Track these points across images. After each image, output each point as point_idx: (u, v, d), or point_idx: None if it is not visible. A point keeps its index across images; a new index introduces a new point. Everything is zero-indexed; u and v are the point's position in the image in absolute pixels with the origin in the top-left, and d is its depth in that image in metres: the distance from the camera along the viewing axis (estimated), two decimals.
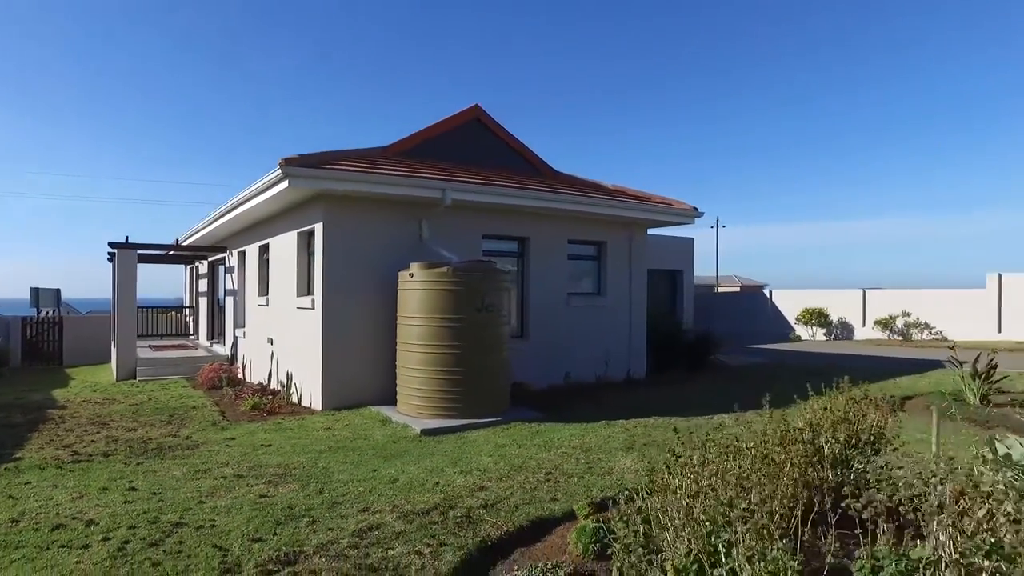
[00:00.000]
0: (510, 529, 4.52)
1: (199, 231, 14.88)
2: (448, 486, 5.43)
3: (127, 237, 14.13)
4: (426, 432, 7.44)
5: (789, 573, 2.14)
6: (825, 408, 4.51)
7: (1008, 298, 20.10)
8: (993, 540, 2.16)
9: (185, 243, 16.85)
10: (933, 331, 21.95)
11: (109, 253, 14.97)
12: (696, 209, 12.25)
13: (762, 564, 2.07)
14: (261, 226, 12.15)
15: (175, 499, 5.04)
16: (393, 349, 8.87)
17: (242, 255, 14.11)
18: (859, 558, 2.14)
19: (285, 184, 8.34)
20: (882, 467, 3.31)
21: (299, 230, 10.07)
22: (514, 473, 5.81)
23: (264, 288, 12.21)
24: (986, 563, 2.15)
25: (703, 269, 42.66)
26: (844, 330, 24.20)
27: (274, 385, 10.77)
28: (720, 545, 2.22)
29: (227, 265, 15.68)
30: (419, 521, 4.58)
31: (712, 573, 2.34)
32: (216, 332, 17.26)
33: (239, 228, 13.41)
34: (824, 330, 24.44)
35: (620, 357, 11.88)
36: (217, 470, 5.95)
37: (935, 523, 2.37)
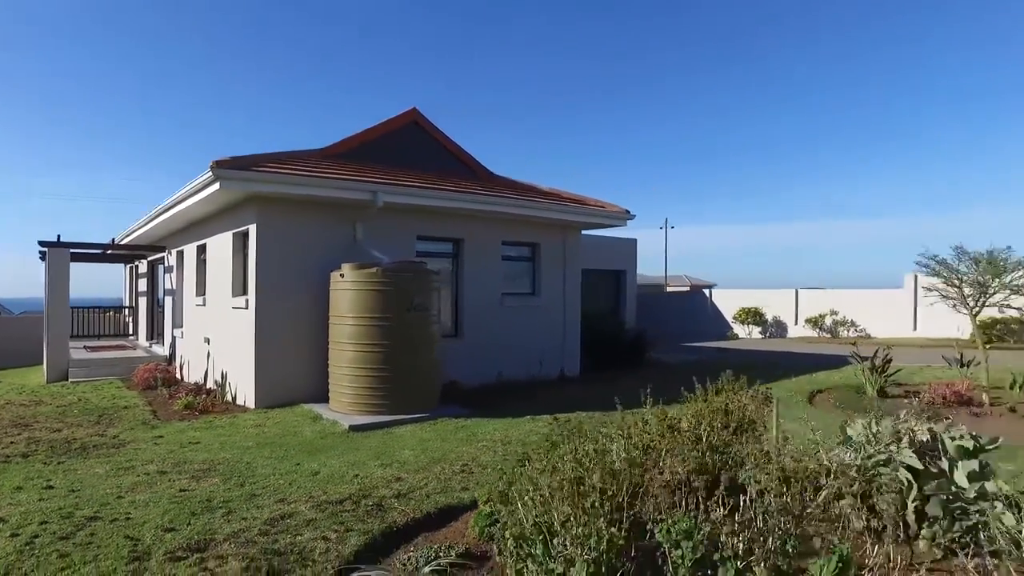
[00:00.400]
0: (417, 516, 4.82)
1: (136, 230, 14.67)
2: (366, 478, 5.70)
3: (59, 236, 13.84)
4: (354, 428, 7.68)
5: (608, 537, 2.51)
6: (705, 401, 4.96)
7: (923, 298, 21.35)
8: (775, 502, 2.58)
9: (122, 242, 16.56)
10: (858, 328, 23.20)
11: (40, 252, 14.62)
12: (628, 212, 12.77)
13: (580, 529, 2.43)
14: (198, 226, 12.13)
15: (93, 495, 5.16)
16: (326, 348, 9.05)
17: (180, 255, 14.00)
18: (663, 521, 2.53)
19: (217, 186, 8.45)
20: (731, 451, 3.74)
21: (234, 231, 10.14)
22: (432, 465, 6.11)
23: (201, 288, 12.19)
24: (770, 522, 2.57)
25: (659, 269, 43.73)
26: (778, 328, 25.31)
27: (210, 384, 10.80)
28: (556, 516, 2.57)
29: (166, 265, 15.51)
30: (331, 510, 4.84)
31: (553, 542, 2.70)
32: (155, 332, 17.03)
33: (176, 228, 13.32)
34: (760, 328, 25.51)
35: (554, 356, 12.29)
36: (141, 467, 6.06)
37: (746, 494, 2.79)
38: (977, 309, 9.87)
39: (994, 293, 9.56)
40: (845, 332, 23.27)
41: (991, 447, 4.44)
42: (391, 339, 8.31)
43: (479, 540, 4.27)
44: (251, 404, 9.26)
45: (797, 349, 19.38)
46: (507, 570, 2.84)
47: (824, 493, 3.26)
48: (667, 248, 61.29)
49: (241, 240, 10.14)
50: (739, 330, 25.83)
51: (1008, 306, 9.95)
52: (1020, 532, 3.11)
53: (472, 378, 10.26)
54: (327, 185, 9.12)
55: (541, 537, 2.75)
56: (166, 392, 10.60)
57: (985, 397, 9.01)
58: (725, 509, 2.59)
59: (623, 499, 2.70)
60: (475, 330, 11.15)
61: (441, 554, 3.93)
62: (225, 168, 8.34)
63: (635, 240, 22.59)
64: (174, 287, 14.56)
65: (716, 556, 2.35)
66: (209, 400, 9.55)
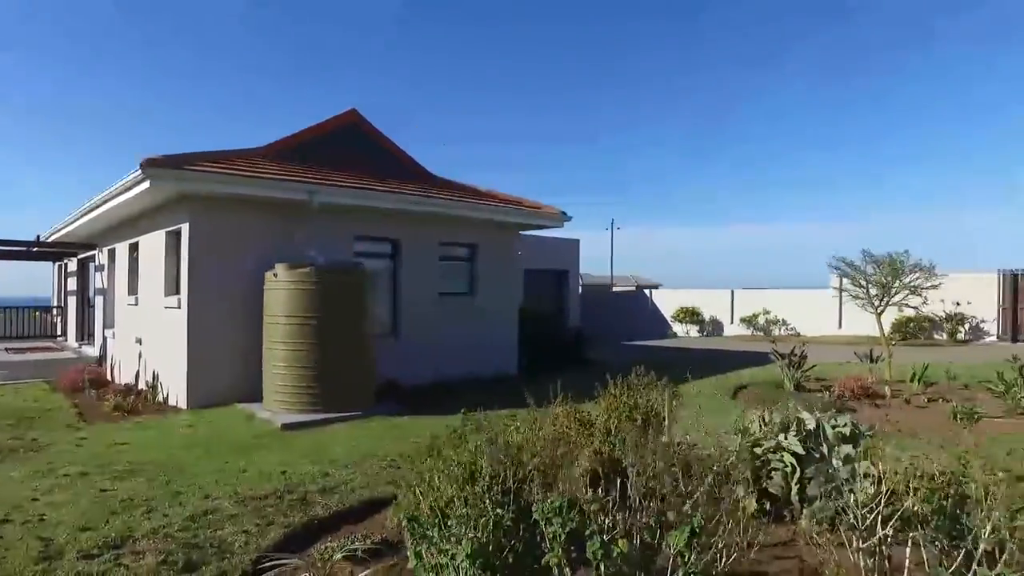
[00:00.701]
0: (341, 510, 4.98)
1: (64, 228, 14.20)
2: (294, 474, 5.81)
3: None
4: (286, 427, 7.74)
5: (494, 518, 2.76)
6: (613, 396, 5.28)
7: (847, 297, 22.54)
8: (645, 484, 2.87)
9: (50, 240, 15.98)
10: (789, 327, 24.31)
11: None
12: (564, 213, 13.13)
13: (466, 510, 2.67)
14: (130, 224, 11.87)
15: (5, 499, 5.07)
16: (261, 348, 9.04)
17: (112, 253, 13.64)
18: (538, 501, 2.79)
19: (146, 184, 8.35)
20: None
21: (167, 229, 10.01)
22: (361, 462, 6.25)
23: (134, 287, 11.94)
24: (646, 503, 2.86)
25: (622, 269, 44.82)
26: (715, 327, 26.28)
27: (142, 386, 10.62)
28: (444, 500, 2.81)
29: (97, 263, 15.06)
30: (255, 505, 4.95)
31: (446, 523, 2.93)
32: (86, 333, 16.51)
33: (107, 226, 12.98)
34: (698, 327, 26.41)
35: (491, 355, 12.49)
36: (61, 469, 5.99)
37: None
38: (882, 308, 10.62)
39: (895, 293, 10.32)
40: (777, 331, 24.33)
41: (868, 433, 4.92)
42: (324, 338, 8.39)
43: (397, 530, 4.47)
44: (183, 405, 9.17)
45: (730, 347, 20.20)
46: (409, 553, 3.05)
47: (710, 478, 3.58)
48: (612, 248, 62.75)
49: (174, 239, 10.00)
50: (678, 329, 26.68)
51: (907, 305, 10.74)
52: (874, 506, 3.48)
53: (409, 377, 10.39)
54: (262, 185, 9.12)
55: (436, 520, 2.97)
56: (94, 394, 10.34)
57: (887, 390, 9.71)
58: (599, 491, 2.87)
59: (511, 484, 2.95)
60: (413, 330, 11.29)
61: (357, 543, 4.12)
62: (156, 167, 8.26)
63: (578, 241, 23.20)
64: (105, 286, 14.17)
65: (587, 531, 2.62)
66: (140, 401, 9.43)
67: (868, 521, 2.91)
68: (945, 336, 20.81)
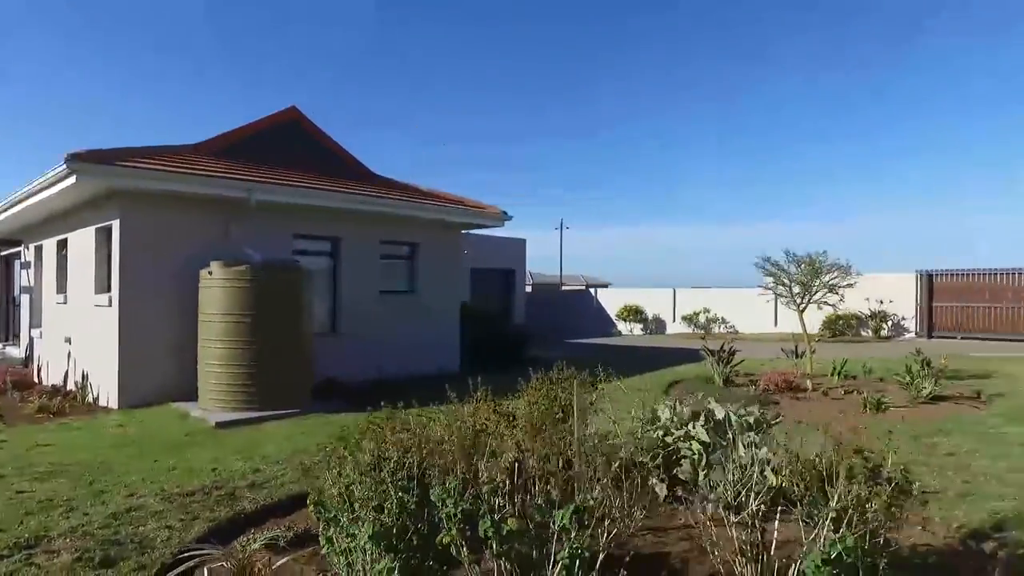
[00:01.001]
0: (269, 503, 5.04)
1: None
2: (224, 471, 5.83)
3: None
4: (221, 425, 7.71)
5: (398, 501, 2.93)
6: (535, 389, 5.51)
7: (773, 295, 23.40)
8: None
9: None
10: (728, 325, 25.21)
11: None
12: (505, 213, 13.35)
13: (367, 492, 2.84)
14: (59, 220, 11.50)
15: None
16: (196, 346, 8.94)
17: (39, 250, 13.17)
18: (437, 484, 2.98)
19: (72, 180, 8.16)
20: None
21: (97, 226, 9.77)
22: (292, 457, 6.30)
23: (62, 285, 11.58)
24: (543, 486, 3.07)
25: (575, 269, 45.42)
26: (658, 325, 27.01)
27: (71, 386, 10.34)
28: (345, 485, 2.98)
29: (23, 260, 14.49)
30: (180, 501, 4.97)
31: (353, 505, 3.09)
32: (11, 333, 15.88)
33: (33, 221, 12.52)
34: (641, 326, 27.10)
35: (432, 353, 12.58)
36: None
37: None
38: (803, 306, 11.23)
39: (816, 292, 10.93)
40: (717, 328, 25.19)
41: (775, 422, 5.30)
42: (260, 337, 8.37)
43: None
44: (115, 405, 8.99)
45: (671, 344, 20.83)
46: (321, 538, 3.19)
47: (615, 465, 3.83)
48: (562, 248, 63.73)
49: (105, 235, 9.77)
50: (622, 327, 27.30)
51: (825, 303, 11.37)
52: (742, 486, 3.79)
53: (349, 375, 10.41)
54: (196, 181, 9.01)
55: (345, 505, 3.12)
56: (18, 396, 9.99)
57: (809, 383, 10.28)
58: (513, 478, 3.08)
59: (415, 471, 3.12)
60: (353, 328, 11.30)
61: (280, 533, 4.22)
62: (82, 161, 8.07)
63: (524, 240, 23.61)
64: (32, 284, 13.65)
65: (480, 510, 2.82)
66: (68, 402, 9.20)
67: (739, 497, 3.19)
68: (870, 332, 21.97)
